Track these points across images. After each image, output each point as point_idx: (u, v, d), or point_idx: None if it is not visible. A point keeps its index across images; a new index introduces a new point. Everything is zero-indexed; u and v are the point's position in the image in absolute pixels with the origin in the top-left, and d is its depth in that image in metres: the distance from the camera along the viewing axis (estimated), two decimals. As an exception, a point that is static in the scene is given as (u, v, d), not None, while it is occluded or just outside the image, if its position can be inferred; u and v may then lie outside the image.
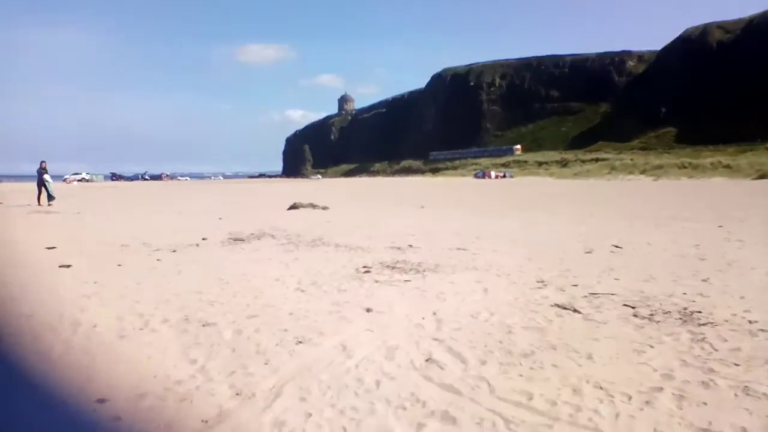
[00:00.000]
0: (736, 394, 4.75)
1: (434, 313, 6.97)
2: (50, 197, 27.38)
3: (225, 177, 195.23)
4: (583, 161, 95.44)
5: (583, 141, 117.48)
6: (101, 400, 4.63)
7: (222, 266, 10.34)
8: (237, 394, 4.90)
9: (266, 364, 5.54)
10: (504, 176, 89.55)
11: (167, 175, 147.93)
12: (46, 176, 27.49)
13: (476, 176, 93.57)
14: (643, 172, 76.63)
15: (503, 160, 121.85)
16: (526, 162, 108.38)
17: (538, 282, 8.78)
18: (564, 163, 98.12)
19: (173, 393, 4.88)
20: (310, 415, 4.56)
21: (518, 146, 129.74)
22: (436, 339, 6.14)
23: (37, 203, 27.42)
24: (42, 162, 27.37)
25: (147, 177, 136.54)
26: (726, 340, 6.05)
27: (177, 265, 10.57)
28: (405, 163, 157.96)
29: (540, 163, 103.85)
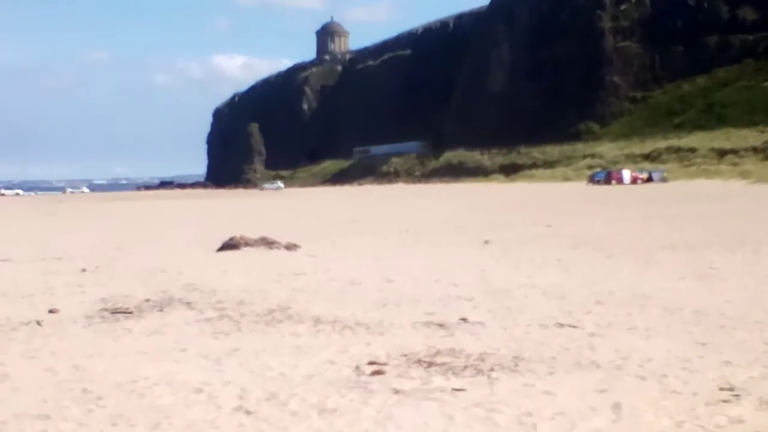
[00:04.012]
0: None
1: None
2: None
3: (92, 188, 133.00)
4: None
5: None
6: None
7: (88, 365, 6.14)
8: None
9: None
10: (650, 179, 55.04)
11: None
12: None
13: (593, 180, 58.98)
14: None
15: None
16: (692, 151, 63.73)
17: (722, 389, 5.14)
18: (771, 152, 56.71)
19: None
20: None
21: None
22: None
23: None
24: None
25: None
26: None
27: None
28: (451, 155, 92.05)
29: (721, 153, 60.35)
